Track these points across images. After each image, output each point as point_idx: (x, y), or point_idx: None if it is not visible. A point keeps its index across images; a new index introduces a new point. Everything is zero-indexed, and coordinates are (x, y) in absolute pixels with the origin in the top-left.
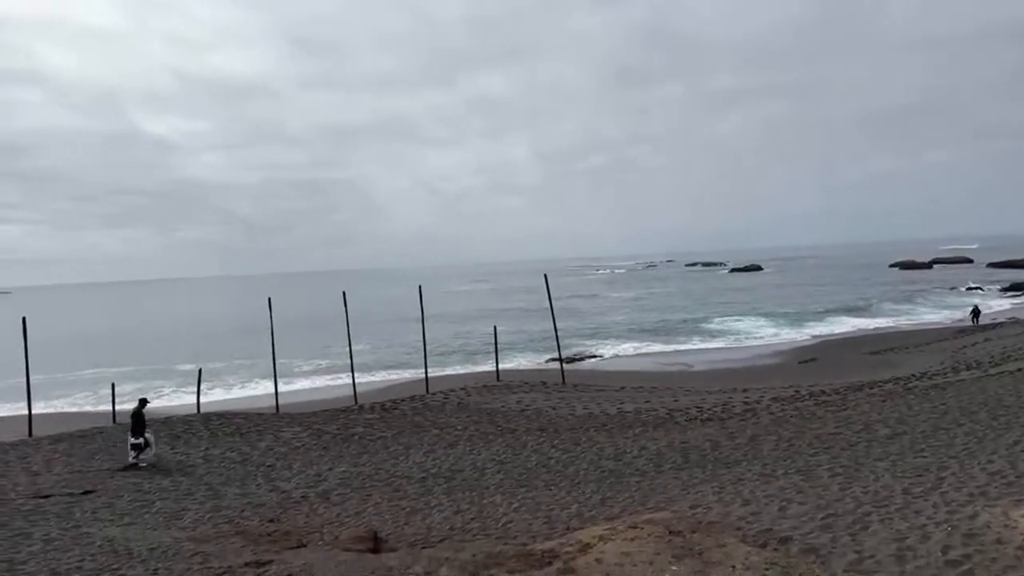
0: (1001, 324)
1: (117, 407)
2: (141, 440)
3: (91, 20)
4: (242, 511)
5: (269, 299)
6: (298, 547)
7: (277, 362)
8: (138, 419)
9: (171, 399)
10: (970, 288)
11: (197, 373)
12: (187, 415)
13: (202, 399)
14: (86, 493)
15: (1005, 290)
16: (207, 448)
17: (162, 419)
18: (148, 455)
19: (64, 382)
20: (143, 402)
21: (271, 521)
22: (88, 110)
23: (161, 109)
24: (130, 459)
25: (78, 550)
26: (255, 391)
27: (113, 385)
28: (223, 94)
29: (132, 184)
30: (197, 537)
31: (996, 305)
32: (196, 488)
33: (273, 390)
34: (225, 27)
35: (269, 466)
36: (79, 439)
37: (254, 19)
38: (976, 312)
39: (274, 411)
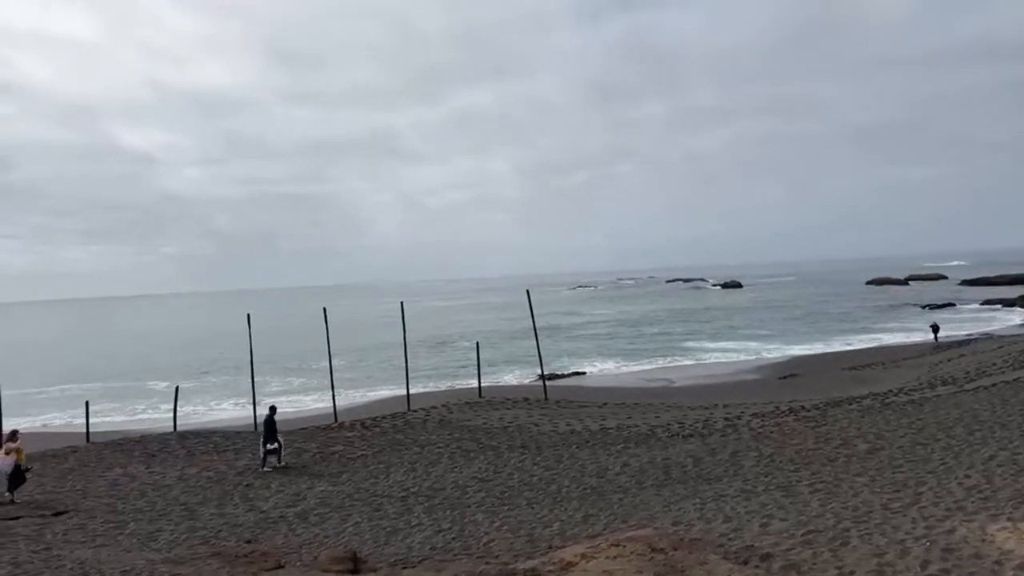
0: (975, 340)
1: (92, 427)
2: (275, 445)
3: (67, 30)
4: (219, 532)
5: (248, 316)
6: (276, 568)
7: (259, 382)
8: (270, 426)
9: (145, 417)
10: (939, 306)
11: (174, 391)
12: (163, 433)
13: (179, 417)
14: (58, 514)
15: (981, 306)
16: (183, 467)
17: (137, 438)
18: (273, 460)
19: (37, 399)
20: (273, 409)
21: (248, 542)
22: (65, 122)
23: (140, 122)
24: (266, 466)
25: (48, 573)
26: (233, 409)
27: (87, 403)
28: (203, 107)
29: (111, 198)
30: (172, 559)
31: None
32: (171, 508)
33: (252, 407)
34: (204, 39)
35: (247, 485)
36: (52, 458)
37: (234, 31)
38: (935, 328)
39: (252, 429)
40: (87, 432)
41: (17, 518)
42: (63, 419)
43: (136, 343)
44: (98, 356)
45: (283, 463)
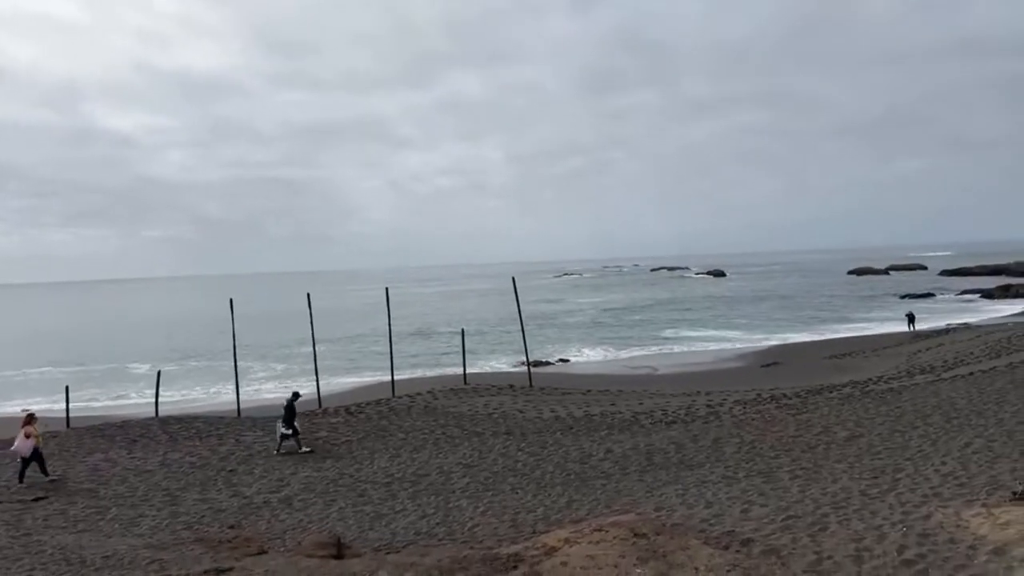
0: (953, 329)
1: (72, 411)
2: (291, 430)
3: (49, 10)
4: (201, 517)
5: (231, 300)
6: (259, 554)
7: (239, 364)
8: (291, 410)
9: (127, 402)
10: (918, 296)
11: (156, 375)
12: (145, 418)
13: (161, 401)
14: (37, 500)
15: (959, 295)
16: (165, 452)
17: (119, 423)
18: (291, 444)
19: (16, 383)
20: (296, 395)
21: (232, 527)
22: (47, 104)
23: (124, 105)
24: (281, 450)
25: (28, 559)
26: (216, 394)
27: (67, 388)
28: (189, 90)
29: (94, 181)
30: (154, 544)
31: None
32: (153, 494)
33: (235, 392)
34: (191, 21)
35: (230, 471)
36: None
37: (222, 14)
38: (911, 318)
39: (236, 414)
40: (67, 417)
41: None
42: (43, 403)
43: (119, 327)
44: (80, 340)
45: (306, 448)
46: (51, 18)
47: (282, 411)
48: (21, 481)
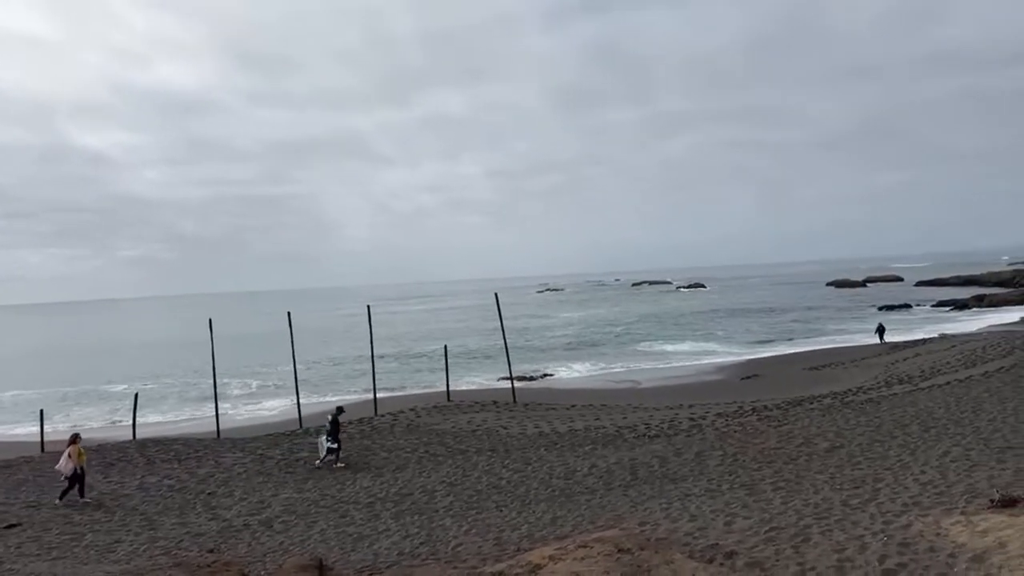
0: (931, 339)
1: (46, 435)
2: (336, 444)
3: (21, 27)
4: (180, 541)
5: (210, 320)
6: None
7: (218, 384)
8: (335, 425)
9: (102, 424)
10: (895, 307)
11: (133, 397)
12: (122, 441)
13: (138, 424)
14: (10, 527)
15: (935, 306)
16: (143, 476)
17: (95, 446)
18: (331, 458)
19: None
20: (340, 410)
21: (211, 551)
22: (19, 122)
23: (98, 123)
24: (320, 461)
25: None
26: (194, 415)
27: (41, 412)
28: (164, 107)
29: (68, 200)
30: (131, 571)
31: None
32: (130, 519)
33: (214, 414)
34: (165, 39)
35: (209, 494)
36: (3, 469)
37: (197, 31)
38: (881, 330)
39: (215, 436)
40: (42, 441)
41: None
42: (17, 428)
43: (94, 349)
44: (54, 362)
45: (342, 464)
46: (22, 35)
47: (326, 425)
48: (61, 499)
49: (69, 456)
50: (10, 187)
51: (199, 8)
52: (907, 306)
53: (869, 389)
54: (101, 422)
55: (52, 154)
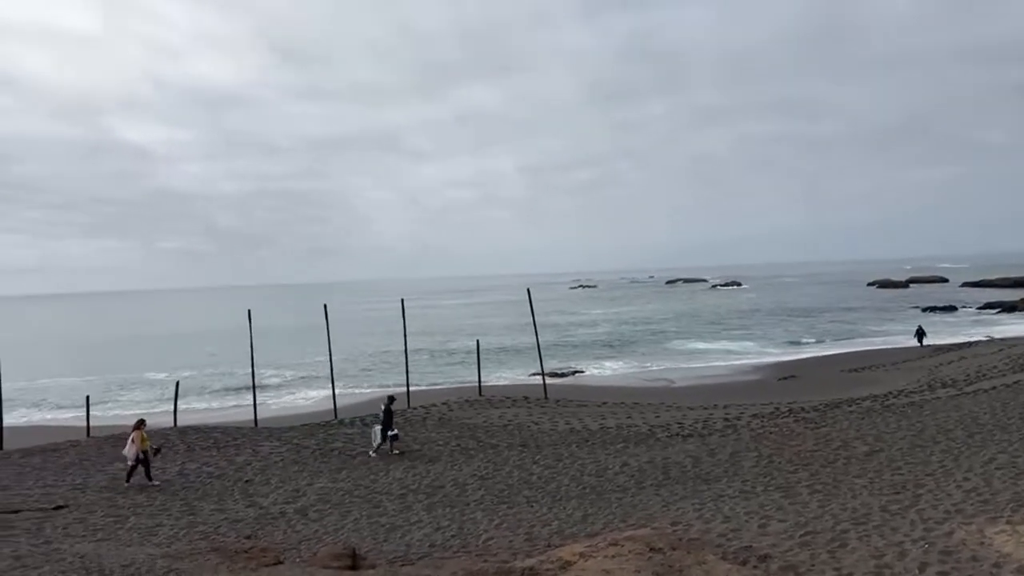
0: (977, 342)
1: (92, 420)
2: (395, 431)
3: (67, 24)
4: (218, 527)
5: (249, 311)
6: (275, 564)
7: (256, 375)
8: (389, 414)
9: (146, 411)
10: (939, 308)
11: (175, 385)
12: (164, 428)
13: (179, 411)
14: (58, 508)
15: (981, 308)
16: (183, 463)
17: None
18: (386, 447)
19: (37, 393)
20: (392, 399)
21: (248, 537)
22: (65, 117)
23: (140, 117)
24: (374, 451)
25: (48, 567)
26: (233, 404)
27: (88, 398)
28: (204, 102)
29: (111, 193)
30: (172, 554)
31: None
32: (171, 503)
33: (252, 403)
34: (206, 34)
35: (247, 481)
36: (51, 452)
37: (236, 27)
38: (920, 333)
39: (252, 425)
40: (87, 426)
41: (18, 511)
42: (64, 413)
43: (136, 338)
44: (98, 350)
45: (397, 451)
46: (68, 32)
47: (379, 414)
48: (128, 481)
49: (133, 441)
50: (57, 180)
51: (236, 3)
52: (952, 308)
53: (911, 392)
54: (143, 409)
55: (97, 149)
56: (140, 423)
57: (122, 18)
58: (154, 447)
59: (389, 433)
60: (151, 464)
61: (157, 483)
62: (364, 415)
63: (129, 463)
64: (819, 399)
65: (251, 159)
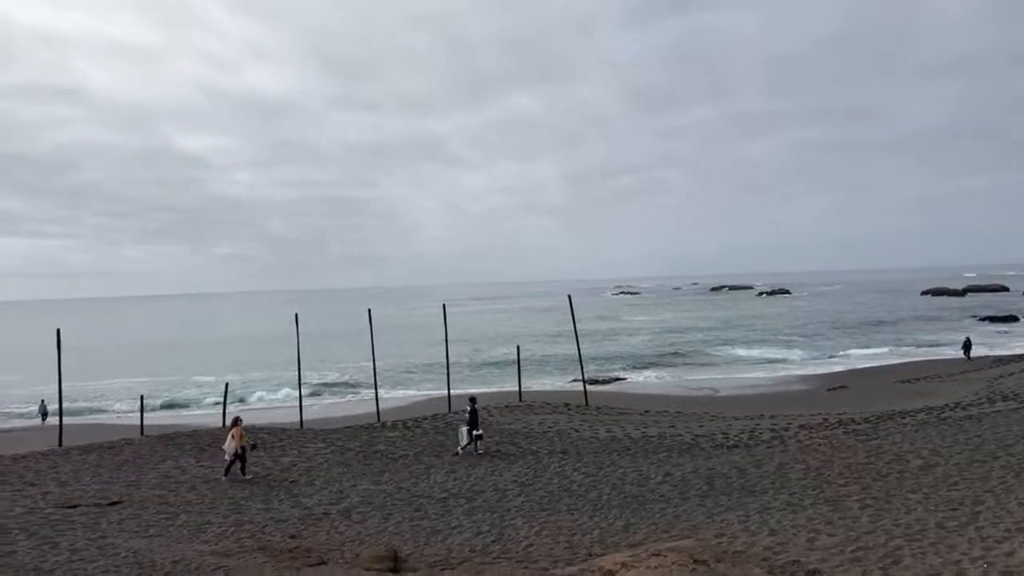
0: None
1: (145, 420)
2: (480, 431)
3: (125, 36)
4: (264, 526)
5: (296, 315)
6: (319, 564)
7: (302, 377)
8: (474, 414)
9: (197, 412)
10: (1000, 318)
11: (224, 387)
12: (213, 428)
13: (227, 413)
14: (113, 504)
15: None
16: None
17: (188, 432)
18: (471, 447)
19: (94, 392)
20: (474, 400)
21: (293, 537)
22: (122, 126)
23: (193, 126)
24: (460, 449)
25: (103, 560)
26: (280, 405)
27: (142, 398)
28: (253, 111)
29: (166, 200)
30: (220, 551)
31: None
32: (219, 502)
33: (297, 405)
34: (254, 45)
35: (292, 482)
36: (108, 450)
37: (283, 38)
38: (968, 345)
39: (298, 426)
40: (141, 425)
41: (76, 506)
42: (119, 412)
43: (189, 341)
44: (153, 352)
45: (481, 451)
46: (126, 43)
47: (465, 415)
48: (226, 475)
49: (232, 437)
50: (116, 187)
51: (283, 14)
52: (1013, 318)
53: (968, 405)
54: (194, 410)
55: (153, 157)
56: (237, 420)
57: (180, 32)
58: (251, 443)
59: (476, 432)
60: (247, 460)
61: (250, 476)
62: (406, 419)
63: (227, 458)
64: (870, 411)
65: (299, 167)
